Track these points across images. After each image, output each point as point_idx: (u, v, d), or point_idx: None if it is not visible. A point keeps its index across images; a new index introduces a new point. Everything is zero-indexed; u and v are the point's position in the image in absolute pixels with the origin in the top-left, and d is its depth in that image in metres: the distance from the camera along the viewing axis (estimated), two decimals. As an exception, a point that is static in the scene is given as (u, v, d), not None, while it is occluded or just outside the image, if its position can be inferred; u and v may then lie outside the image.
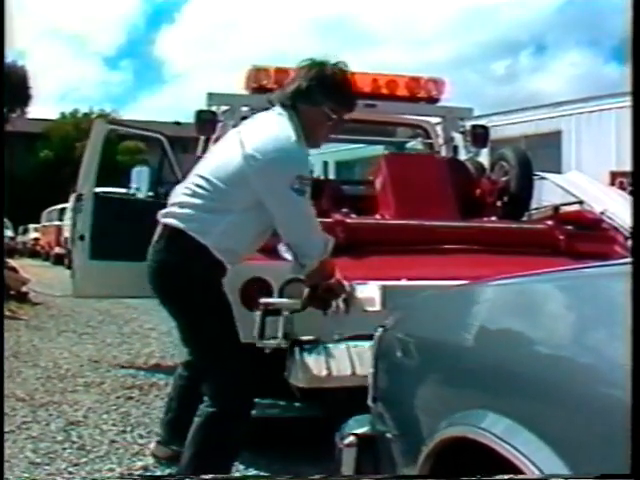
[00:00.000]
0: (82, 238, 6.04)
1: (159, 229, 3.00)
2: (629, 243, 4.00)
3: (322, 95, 3.01)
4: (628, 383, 1.06)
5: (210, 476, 3.46)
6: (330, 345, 2.61)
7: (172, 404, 3.65)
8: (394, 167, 4.80)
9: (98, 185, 6.30)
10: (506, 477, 1.21)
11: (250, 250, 3.17)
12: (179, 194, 3.03)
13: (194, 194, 2.96)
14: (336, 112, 3.06)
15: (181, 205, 2.96)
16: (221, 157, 3.03)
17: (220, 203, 2.93)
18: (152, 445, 3.81)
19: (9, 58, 28.83)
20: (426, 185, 4.71)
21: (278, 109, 3.05)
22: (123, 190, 7.09)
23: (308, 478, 2.68)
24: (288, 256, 3.33)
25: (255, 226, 3.01)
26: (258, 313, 3.25)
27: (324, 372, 2.85)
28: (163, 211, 3.03)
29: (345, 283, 3.25)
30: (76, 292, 6.47)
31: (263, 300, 3.36)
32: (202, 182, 2.96)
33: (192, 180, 3.03)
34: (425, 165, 5.10)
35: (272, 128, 2.97)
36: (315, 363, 3.01)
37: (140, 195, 6.25)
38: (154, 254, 2.98)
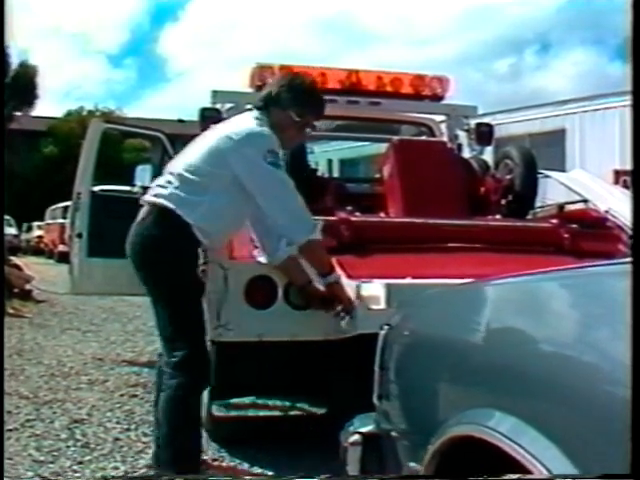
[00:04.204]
0: (80, 236, 6.15)
1: (146, 209, 3.24)
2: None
3: (288, 100, 3.35)
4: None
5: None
6: None
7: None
8: (403, 155, 4.78)
9: (105, 182, 6.35)
10: (513, 477, 1.21)
11: (223, 236, 3.40)
12: (164, 178, 3.29)
13: (178, 177, 3.21)
14: (301, 116, 3.37)
15: (167, 187, 3.21)
16: (202, 145, 3.31)
17: (200, 185, 3.20)
18: (153, 447, 3.80)
19: (19, 58, 28.89)
20: (435, 172, 4.69)
21: (252, 111, 3.42)
22: (127, 188, 7.15)
23: (314, 477, 2.67)
24: (263, 259, 3.43)
25: (229, 211, 3.26)
26: None
27: None
28: (150, 193, 3.29)
29: (350, 294, 3.35)
30: (74, 289, 6.59)
31: None
32: (185, 166, 3.24)
33: (175, 165, 3.32)
34: (435, 152, 5.08)
35: (245, 119, 3.37)
36: None
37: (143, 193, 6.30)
38: (142, 230, 3.23)
